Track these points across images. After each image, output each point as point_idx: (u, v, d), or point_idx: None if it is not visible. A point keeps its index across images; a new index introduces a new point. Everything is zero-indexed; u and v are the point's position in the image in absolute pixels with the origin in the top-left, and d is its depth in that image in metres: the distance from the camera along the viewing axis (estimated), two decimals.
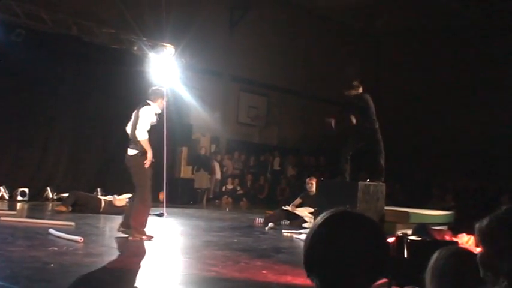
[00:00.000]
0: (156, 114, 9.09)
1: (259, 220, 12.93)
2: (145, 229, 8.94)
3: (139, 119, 8.91)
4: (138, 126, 8.88)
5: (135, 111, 9.08)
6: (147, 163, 8.84)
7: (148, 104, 9.05)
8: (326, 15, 24.67)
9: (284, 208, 13.15)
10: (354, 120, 11.35)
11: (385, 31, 25.86)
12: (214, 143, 21.73)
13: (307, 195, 13.36)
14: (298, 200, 13.41)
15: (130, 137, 9.02)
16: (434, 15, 22.69)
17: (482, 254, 2.06)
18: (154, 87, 9.47)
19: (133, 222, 8.82)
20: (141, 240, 8.70)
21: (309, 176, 14.27)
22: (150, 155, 8.85)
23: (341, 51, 25.13)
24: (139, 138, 8.83)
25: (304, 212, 12.71)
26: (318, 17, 24.67)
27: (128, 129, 9.22)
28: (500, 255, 1.97)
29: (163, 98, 9.22)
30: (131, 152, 8.94)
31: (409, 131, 23.55)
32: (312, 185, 13.25)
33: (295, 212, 12.82)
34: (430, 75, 24.18)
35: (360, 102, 11.37)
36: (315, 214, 11.69)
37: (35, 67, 14.62)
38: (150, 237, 8.87)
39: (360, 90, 11.51)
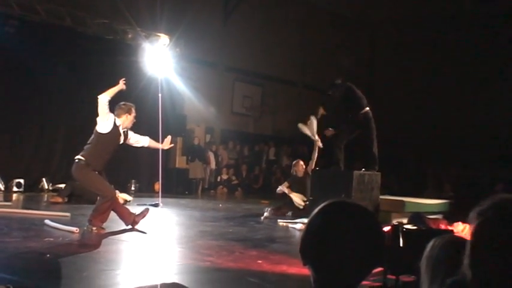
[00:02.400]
0: (117, 126, 8.81)
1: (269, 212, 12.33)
2: (102, 224, 8.66)
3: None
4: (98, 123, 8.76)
5: None
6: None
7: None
8: (320, 5, 24.62)
9: (279, 191, 13.09)
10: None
11: (379, 20, 25.82)
12: (209, 133, 21.72)
13: (295, 178, 13.28)
14: (286, 184, 13.36)
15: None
16: (429, 4, 22.66)
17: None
18: (121, 103, 9.08)
19: (93, 213, 8.62)
20: (94, 232, 8.45)
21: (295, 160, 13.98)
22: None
23: (335, 41, 25.12)
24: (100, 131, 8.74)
25: (297, 198, 12.65)
26: (312, 7, 24.61)
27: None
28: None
29: (129, 114, 8.92)
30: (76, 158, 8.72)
31: (404, 120, 23.56)
32: (298, 168, 13.21)
33: (291, 196, 12.76)
34: (425, 65, 24.16)
35: (342, 95, 11.47)
36: (308, 203, 11.69)
37: (28, 58, 14.57)
38: (102, 230, 8.60)
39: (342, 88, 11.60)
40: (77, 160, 8.67)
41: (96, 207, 8.74)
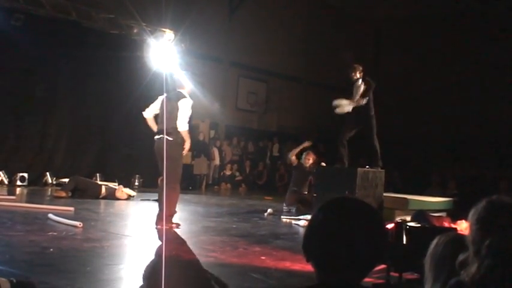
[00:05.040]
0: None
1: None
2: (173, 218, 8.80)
3: (180, 110, 8.78)
4: (179, 118, 8.75)
5: (168, 101, 8.89)
6: (185, 151, 8.92)
7: (185, 97, 8.95)
8: (326, 2, 24.61)
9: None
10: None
11: (384, 18, 25.78)
12: (213, 129, 21.73)
13: (301, 167, 13.20)
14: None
15: (166, 126, 8.74)
16: (434, 2, 22.61)
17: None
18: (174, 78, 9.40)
19: (167, 212, 8.56)
20: (171, 229, 8.55)
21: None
22: (188, 144, 8.92)
23: (341, 38, 25.09)
24: (180, 129, 8.73)
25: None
26: (317, 3, 24.60)
27: (146, 114, 9.18)
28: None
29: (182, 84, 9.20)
30: (170, 139, 8.74)
31: (408, 118, 23.56)
32: (309, 161, 13.10)
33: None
34: (429, 62, 24.14)
35: (359, 87, 11.42)
36: (313, 200, 11.68)
37: (33, 52, 14.56)
38: (177, 225, 8.80)
39: (361, 74, 11.58)
40: (171, 139, 8.71)
41: (168, 199, 8.60)
